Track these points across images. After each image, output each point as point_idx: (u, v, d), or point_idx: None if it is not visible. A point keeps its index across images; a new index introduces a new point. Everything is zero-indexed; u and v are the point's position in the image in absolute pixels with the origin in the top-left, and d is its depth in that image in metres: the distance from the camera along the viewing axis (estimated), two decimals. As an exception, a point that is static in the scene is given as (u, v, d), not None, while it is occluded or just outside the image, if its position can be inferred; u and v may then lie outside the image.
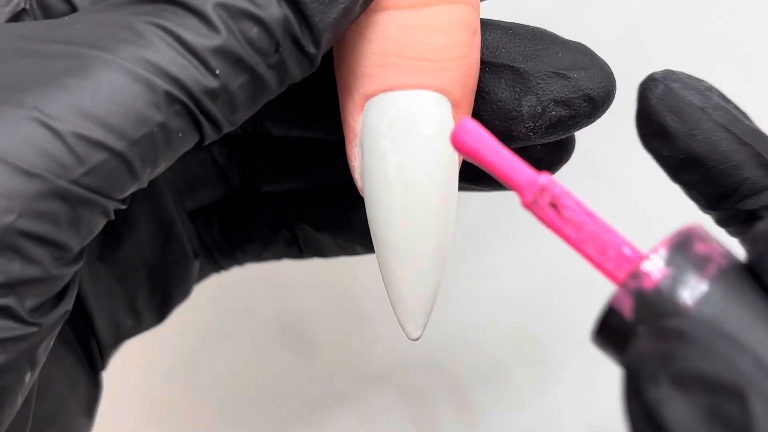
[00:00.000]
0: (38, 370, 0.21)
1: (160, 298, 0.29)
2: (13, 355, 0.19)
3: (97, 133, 0.19)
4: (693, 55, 0.38)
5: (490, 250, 0.40)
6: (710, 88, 0.22)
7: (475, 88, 0.24)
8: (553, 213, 0.18)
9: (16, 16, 0.22)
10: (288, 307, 0.41)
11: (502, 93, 0.24)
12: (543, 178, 0.18)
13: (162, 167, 0.21)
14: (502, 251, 0.40)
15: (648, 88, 0.22)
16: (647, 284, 0.17)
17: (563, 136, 0.25)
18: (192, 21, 0.20)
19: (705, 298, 0.17)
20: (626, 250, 0.17)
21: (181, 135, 0.20)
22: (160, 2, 0.20)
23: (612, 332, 0.17)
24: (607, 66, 0.24)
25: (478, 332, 0.41)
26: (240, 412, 0.42)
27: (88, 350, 0.28)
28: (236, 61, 0.20)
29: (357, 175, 0.24)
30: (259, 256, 0.31)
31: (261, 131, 0.28)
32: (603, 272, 0.18)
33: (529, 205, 0.18)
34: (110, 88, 0.19)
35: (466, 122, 0.19)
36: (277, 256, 0.30)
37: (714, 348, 0.16)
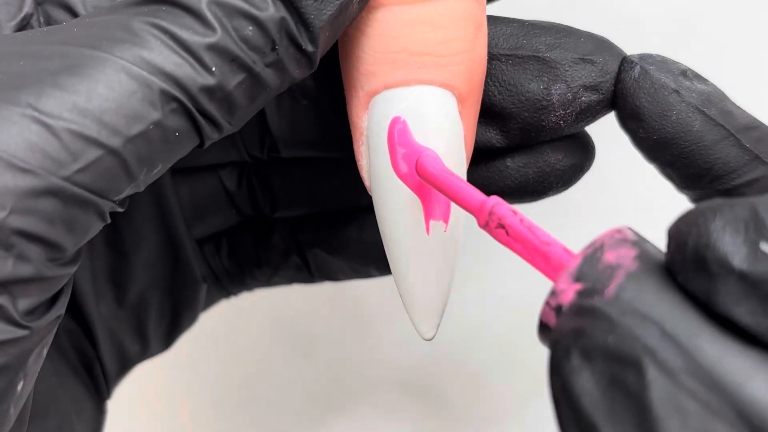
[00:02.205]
0: (31, 380, 0.20)
1: (169, 323, 0.29)
2: (4, 359, 0.19)
3: (92, 130, 0.19)
4: (693, 49, 0.38)
5: (499, 249, 0.40)
6: (685, 71, 0.23)
7: (483, 82, 0.23)
8: (502, 233, 0.20)
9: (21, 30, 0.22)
10: (288, 307, 0.41)
11: (530, 84, 0.24)
12: (491, 201, 0.20)
13: (159, 169, 0.20)
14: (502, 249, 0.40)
15: (624, 70, 0.23)
16: (563, 300, 0.19)
17: (591, 123, 0.25)
18: (187, 20, 0.20)
19: (611, 301, 0.18)
20: (565, 259, 0.19)
21: (178, 134, 0.20)
22: (156, 3, 0.20)
23: (546, 335, 0.19)
24: (621, 50, 0.25)
25: (480, 332, 0.40)
26: (239, 412, 0.42)
27: (93, 376, 0.28)
28: (232, 59, 0.20)
29: (365, 174, 0.24)
30: (268, 282, 0.30)
31: (270, 156, 0.28)
32: (551, 279, 0.20)
33: (483, 227, 0.20)
34: (105, 86, 0.19)
35: (429, 154, 0.22)
36: (287, 281, 0.30)
37: (618, 323, 0.17)
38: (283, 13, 0.20)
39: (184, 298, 0.29)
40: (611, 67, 0.24)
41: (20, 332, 0.19)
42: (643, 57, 0.23)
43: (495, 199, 0.20)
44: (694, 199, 0.24)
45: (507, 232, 0.20)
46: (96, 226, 0.20)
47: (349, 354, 0.41)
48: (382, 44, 0.22)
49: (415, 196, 0.23)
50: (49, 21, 0.22)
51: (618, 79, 0.23)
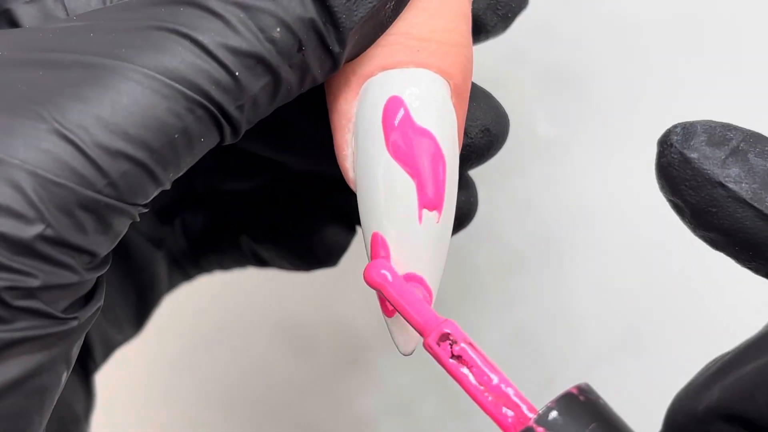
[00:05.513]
0: (70, 368, 0.21)
1: (134, 304, 0.29)
2: (52, 354, 0.19)
3: (119, 144, 0.19)
4: (693, 50, 0.38)
5: (488, 251, 0.40)
6: (737, 148, 0.20)
7: (470, 83, 0.23)
8: (455, 362, 0.21)
9: None
10: (288, 307, 0.41)
11: None
12: (446, 325, 0.21)
13: (183, 170, 0.20)
14: (502, 252, 0.40)
15: (664, 155, 0.21)
16: None
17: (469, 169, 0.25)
18: (209, 22, 0.19)
19: None
20: (522, 409, 0.20)
21: (203, 140, 0.20)
22: (175, 3, 0.20)
23: None
24: (501, 106, 0.25)
25: (475, 334, 0.40)
26: (238, 413, 0.42)
27: (81, 360, 0.28)
28: (257, 62, 0.20)
29: (348, 164, 0.23)
30: (221, 265, 0.31)
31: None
32: (496, 422, 0.20)
33: (429, 347, 0.21)
34: (128, 98, 0.19)
35: (380, 261, 0.22)
36: (240, 264, 0.31)
37: None
38: (311, 13, 0.20)
39: (144, 278, 0.29)
40: (483, 116, 0.24)
41: (64, 326, 0.19)
42: (685, 136, 0.20)
43: (452, 324, 0.21)
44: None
45: (462, 362, 0.21)
46: (126, 229, 0.20)
47: (349, 354, 0.41)
48: None
49: (410, 180, 0.22)
50: None
51: (658, 164, 0.21)
